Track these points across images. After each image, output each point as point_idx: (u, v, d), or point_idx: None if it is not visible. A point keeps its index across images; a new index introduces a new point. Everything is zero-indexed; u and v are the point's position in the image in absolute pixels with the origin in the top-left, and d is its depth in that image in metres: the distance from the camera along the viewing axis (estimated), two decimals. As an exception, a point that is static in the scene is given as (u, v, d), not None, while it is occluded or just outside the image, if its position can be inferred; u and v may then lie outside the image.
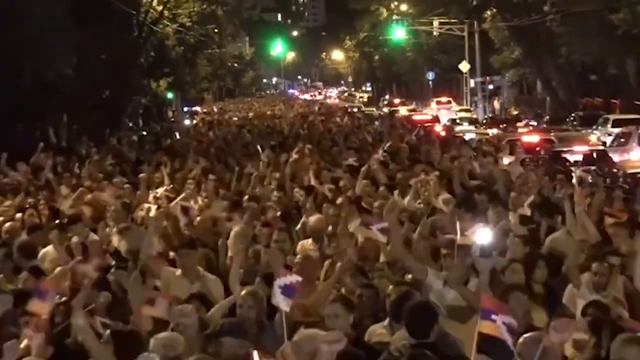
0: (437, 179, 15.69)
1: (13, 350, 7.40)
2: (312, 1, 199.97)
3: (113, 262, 11.09)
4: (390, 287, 9.30)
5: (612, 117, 44.49)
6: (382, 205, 14.11)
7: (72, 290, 9.85)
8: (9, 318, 8.86)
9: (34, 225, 13.75)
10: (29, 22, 30.10)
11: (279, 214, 13.92)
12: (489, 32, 66.68)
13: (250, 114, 73.74)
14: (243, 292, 8.63)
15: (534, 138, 38.05)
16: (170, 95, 71.65)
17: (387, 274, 10.18)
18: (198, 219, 13.39)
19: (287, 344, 6.33)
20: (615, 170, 25.53)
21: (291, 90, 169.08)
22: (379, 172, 18.08)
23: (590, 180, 16.63)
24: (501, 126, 52.59)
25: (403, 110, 71.88)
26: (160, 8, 55.63)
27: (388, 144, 20.09)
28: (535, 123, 52.88)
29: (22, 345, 7.52)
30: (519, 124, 52.99)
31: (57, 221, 13.53)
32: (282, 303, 6.65)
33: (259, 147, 24.87)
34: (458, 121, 56.35)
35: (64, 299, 9.33)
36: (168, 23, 57.64)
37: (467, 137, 39.85)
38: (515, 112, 65.72)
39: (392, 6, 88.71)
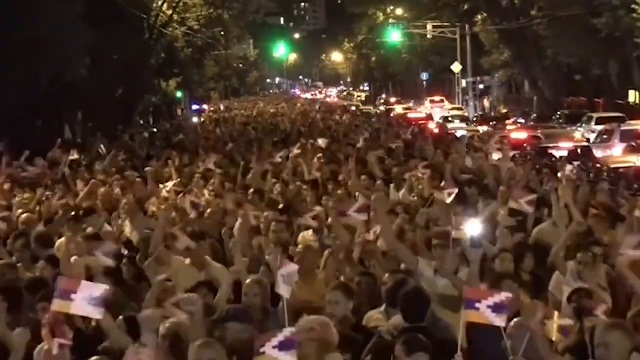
0: (429, 173, 15.72)
1: (23, 337, 7.37)
2: (313, 5, 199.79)
3: (125, 252, 11.08)
4: (386, 275, 9.30)
5: (595, 115, 44.50)
6: (380, 198, 14.14)
7: (86, 279, 9.85)
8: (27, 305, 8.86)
9: (51, 216, 13.76)
10: (46, 25, 30.06)
11: (281, 206, 13.92)
12: (479, 35, 66.71)
13: (255, 112, 73.74)
14: (248, 281, 8.62)
15: (522, 135, 38.12)
16: (179, 94, 71.63)
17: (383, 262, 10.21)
18: (208, 210, 13.37)
19: (288, 330, 6.31)
20: (598, 165, 25.53)
21: (293, 90, 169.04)
22: (375, 167, 18.07)
23: (575, 175, 16.61)
24: (491, 123, 52.65)
25: (398, 109, 71.88)
26: (169, 12, 55.61)
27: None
28: (523, 120, 52.88)
29: (43, 333, 7.48)
30: (507, 122, 53.01)
31: (73, 213, 13.54)
32: (283, 290, 6.65)
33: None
34: (450, 119, 56.38)
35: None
36: (177, 26, 57.60)
37: (458, 133, 39.88)
38: (504, 110, 65.75)
39: (388, 10, 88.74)
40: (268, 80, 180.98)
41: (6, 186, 17.06)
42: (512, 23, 57.26)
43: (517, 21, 56.82)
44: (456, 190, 12.85)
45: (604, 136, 35.77)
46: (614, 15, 44.68)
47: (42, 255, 10.92)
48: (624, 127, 35.86)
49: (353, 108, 78.20)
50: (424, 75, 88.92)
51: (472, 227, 9.12)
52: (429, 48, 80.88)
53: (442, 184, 13.65)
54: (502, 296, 6.38)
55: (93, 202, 14.59)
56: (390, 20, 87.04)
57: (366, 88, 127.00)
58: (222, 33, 70.49)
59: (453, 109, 67.53)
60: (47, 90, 35.34)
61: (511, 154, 21.30)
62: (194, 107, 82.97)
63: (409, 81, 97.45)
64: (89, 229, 12.17)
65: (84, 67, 37.98)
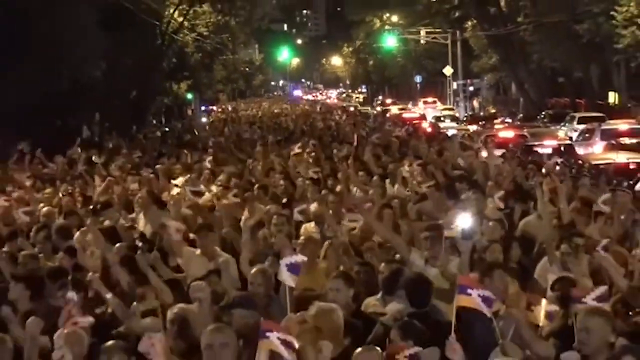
0: (421, 169, 15.74)
1: (36, 326, 7.37)
2: (314, 13, 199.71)
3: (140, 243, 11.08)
4: (383, 264, 9.31)
5: (577, 115, 44.50)
6: (376, 192, 14.16)
7: (103, 268, 9.87)
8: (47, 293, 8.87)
9: (70, 210, 13.77)
10: (64, 31, 30.08)
11: (284, 200, 13.93)
12: (469, 41, 66.74)
13: (260, 112, 73.72)
14: (253, 271, 8.62)
15: (509, 133, 38.09)
16: (189, 96, 71.61)
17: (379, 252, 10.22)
18: (223, 202, 13.35)
19: (291, 315, 6.33)
20: (580, 161, 25.53)
21: (295, 92, 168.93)
22: (372, 164, 18.08)
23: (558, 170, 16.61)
24: (480, 123, 52.64)
25: (394, 109, 71.83)
26: (180, 19, 55.60)
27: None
28: (510, 120, 52.93)
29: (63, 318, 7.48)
30: (495, 121, 53.01)
31: (91, 206, 13.56)
32: (288, 279, 6.64)
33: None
34: (442, 118, 56.37)
35: (97, 274, 9.34)
36: (187, 32, 57.59)
37: (450, 132, 39.90)
38: (493, 111, 65.76)
39: (385, 17, 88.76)
40: (272, 83, 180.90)
41: (29, 182, 17.10)
42: (500, 29, 57.29)
43: (504, 27, 56.85)
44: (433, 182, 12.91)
45: (586, 135, 35.77)
46: (595, 22, 44.70)
47: (62, 246, 10.95)
48: (604, 127, 35.86)
49: (352, 109, 78.20)
50: (418, 78, 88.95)
51: (463, 221, 9.12)
52: (422, 53, 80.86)
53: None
54: (490, 294, 6.41)
55: (110, 197, 14.60)
56: (387, 27, 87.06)
57: (364, 90, 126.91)
58: (229, 39, 70.38)
59: (445, 109, 67.51)
60: (66, 92, 35.37)
61: (498, 152, 21.28)
62: (203, 108, 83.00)
63: (403, 84, 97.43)
64: (106, 222, 12.19)
65: (100, 71, 37.99)
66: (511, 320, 7.07)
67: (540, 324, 7.43)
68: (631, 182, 21.50)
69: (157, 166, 18.44)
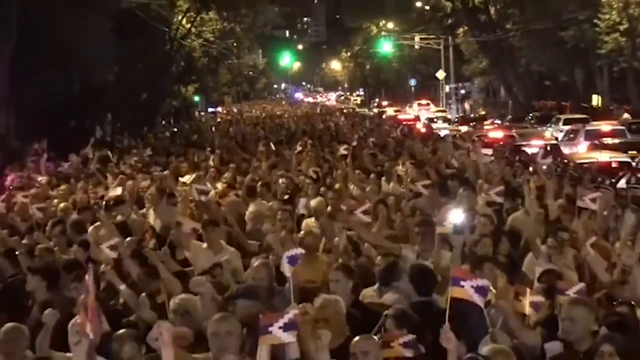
0: (415, 168, 15.73)
1: (52, 317, 7.37)
2: (315, 20, 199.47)
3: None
4: (379, 257, 9.31)
5: (563, 116, 44.50)
6: (373, 190, 14.16)
7: (115, 261, 9.86)
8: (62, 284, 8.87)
9: (84, 206, 13.78)
10: (79, 37, 30.08)
11: (286, 197, 13.94)
12: (461, 46, 66.73)
13: (263, 114, 73.72)
14: (256, 264, 8.61)
15: (499, 134, 38.15)
16: (196, 98, 71.60)
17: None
18: (228, 200, 13.33)
19: (294, 305, 6.32)
20: (565, 160, 25.54)
21: (297, 94, 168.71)
22: (369, 162, 18.07)
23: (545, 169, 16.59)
24: (471, 124, 52.65)
25: (390, 111, 71.80)
26: (188, 26, 55.63)
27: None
28: (499, 121, 52.90)
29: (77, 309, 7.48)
30: (485, 122, 53.02)
31: (104, 202, 13.56)
32: (287, 270, 6.66)
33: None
34: (434, 120, 56.34)
35: (109, 267, 9.35)
36: (195, 38, 57.59)
37: (442, 133, 39.90)
38: (483, 113, 65.75)
39: (381, 24, 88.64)
40: (275, 86, 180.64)
41: (44, 180, 17.12)
42: (490, 35, 57.32)
43: (494, 34, 56.89)
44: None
45: (571, 135, 35.78)
46: (580, 29, 44.73)
47: (76, 240, 10.95)
48: (588, 128, 35.88)
49: (351, 110, 78.20)
50: (412, 82, 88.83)
51: (455, 216, 9.13)
52: (416, 58, 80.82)
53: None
54: (485, 282, 6.39)
55: (122, 194, 14.60)
56: (383, 33, 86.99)
57: (361, 93, 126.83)
58: (234, 44, 70.39)
59: (437, 111, 67.58)
60: (80, 95, 35.37)
61: (487, 151, 21.28)
62: (210, 109, 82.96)
63: (399, 87, 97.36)
64: (119, 217, 12.20)
65: (112, 75, 37.98)
66: (501, 310, 7.08)
67: (527, 313, 7.43)
68: (613, 180, 21.53)
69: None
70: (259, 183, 14.90)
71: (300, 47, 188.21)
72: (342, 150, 19.31)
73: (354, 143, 22.23)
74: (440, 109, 71.10)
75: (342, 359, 6.41)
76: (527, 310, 7.44)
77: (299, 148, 20.32)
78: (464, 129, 46.22)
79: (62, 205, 13.86)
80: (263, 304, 7.61)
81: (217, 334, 6.43)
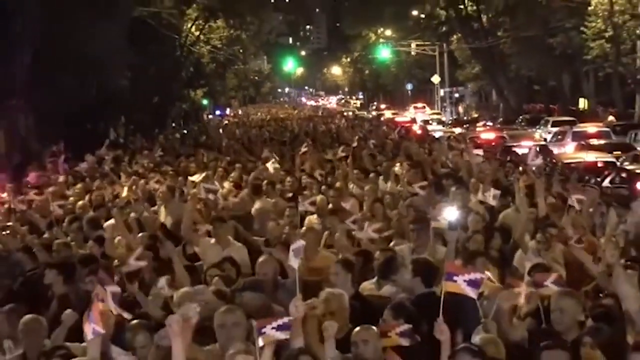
0: (411, 168, 15.71)
1: (70, 317, 7.37)
2: (316, 28, 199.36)
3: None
4: (377, 252, 9.31)
5: (551, 119, 44.54)
6: (371, 189, 14.14)
7: (127, 256, 9.86)
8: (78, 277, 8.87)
9: (99, 204, 13.77)
10: (94, 44, 30.12)
11: (290, 195, 13.93)
12: (454, 52, 66.72)
13: (268, 117, 73.71)
14: (261, 259, 8.59)
15: (490, 135, 38.14)
16: (205, 101, 71.58)
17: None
18: (235, 199, 13.31)
19: (299, 296, 6.31)
20: (554, 160, 25.53)
21: (300, 98, 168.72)
22: (368, 163, 18.06)
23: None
24: (464, 126, 52.62)
25: (388, 114, 71.78)
26: (197, 33, 55.67)
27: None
28: (491, 123, 52.90)
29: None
30: (478, 124, 53.00)
31: (118, 200, 13.56)
32: (294, 262, 6.65)
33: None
34: (430, 122, 56.32)
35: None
36: (203, 45, 57.62)
37: (437, 134, 39.90)
38: (476, 115, 65.73)
39: (379, 32, 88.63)
40: (279, 90, 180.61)
41: (62, 179, 17.12)
42: (482, 42, 57.34)
43: (486, 41, 56.91)
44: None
45: (559, 137, 35.81)
46: (567, 36, 44.77)
47: (92, 236, 10.95)
48: (575, 129, 35.91)
49: (350, 113, 78.17)
50: (409, 86, 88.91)
51: (449, 213, 9.12)
52: (413, 63, 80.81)
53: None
54: (477, 275, 6.39)
55: (127, 195, 14.59)
56: (381, 40, 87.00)
57: (361, 96, 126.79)
58: (240, 51, 70.41)
59: (433, 114, 67.51)
60: (96, 99, 35.41)
61: (478, 152, 21.26)
62: (218, 112, 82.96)
63: (396, 91, 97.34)
64: (132, 214, 12.19)
65: (126, 80, 38.04)
66: (493, 302, 7.06)
67: (518, 305, 7.42)
68: (599, 179, 21.54)
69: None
70: (265, 182, 14.90)
71: (303, 53, 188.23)
72: (340, 152, 19.29)
73: (354, 144, 22.22)
74: (435, 111, 71.07)
75: (344, 349, 6.41)
76: (519, 301, 7.42)
77: (303, 149, 20.26)
78: (457, 130, 46.20)
79: (80, 203, 13.87)
80: (268, 296, 7.61)
81: (224, 326, 6.46)
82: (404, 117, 63.09)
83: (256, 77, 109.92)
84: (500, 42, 54.95)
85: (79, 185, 15.89)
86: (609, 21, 40.42)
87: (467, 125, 53.23)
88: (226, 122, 67.27)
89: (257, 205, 13.09)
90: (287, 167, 18.38)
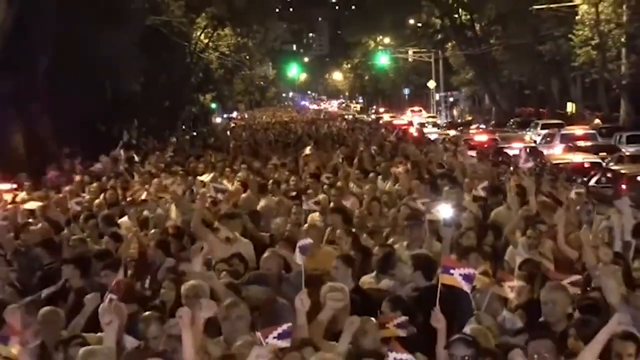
0: (409, 168, 15.71)
1: (94, 300, 7.38)
2: (319, 36, 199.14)
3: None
4: (376, 248, 9.31)
5: (541, 122, 44.48)
6: (370, 188, 14.15)
7: (140, 252, 9.88)
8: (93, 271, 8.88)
9: (113, 202, 13.78)
10: (109, 51, 30.16)
11: (294, 193, 13.93)
12: (449, 59, 66.66)
13: (273, 120, 73.72)
14: (266, 254, 8.58)
15: (483, 137, 38.19)
16: (213, 105, 71.62)
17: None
18: (243, 196, 13.30)
19: (304, 291, 6.31)
20: (543, 161, 25.53)
21: (302, 102, 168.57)
22: (367, 163, 18.06)
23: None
24: (458, 128, 52.59)
25: (386, 117, 71.80)
26: (206, 41, 55.70)
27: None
28: (484, 126, 52.88)
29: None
30: (471, 127, 52.98)
31: (131, 198, 13.57)
32: (299, 259, 6.64)
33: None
34: (425, 124, 56.34)
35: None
36: (212, 52, 57.66)
37: (432, 136, 39.92)
38: (469, 118, 65.72)
39: (378, 39, 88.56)
40: (283, 95, 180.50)
41: (78, 178, 17.14)
42: (475, 50, 57.35)
43: (479, 48, 56.92)
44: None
45: (548, 139, 35.80)
46: (555, 43, 44.74)
47: (107, 232, 10.96)
48: (563, 132, 35.90)
49: (351, 116, 78.19)
50: (406, 91, 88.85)
51: (445, 211, 9.13)
52: (410, 69, 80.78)
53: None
54: (470, 270, 6.40)
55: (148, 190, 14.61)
56: (380, 47, 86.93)
57: (361, 101, 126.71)
58: (247, 57, 70.47)
59: (429, 117, 67.58)
60: (110, 103, 35.43)
61: (472, 153, 21.27)
62: (225, 115, 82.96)
63: (394, 95, 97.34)
64: (145, 212, 12.20)
65: (138, 85, 38.03)
66: (485, 295, 7.07)
67: (509, 298, 7.43)
68: (585, 179, 21.55)
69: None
70: (270, 181, 14.92)
71: (306, 59, 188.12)
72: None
73: (361, 148, 22.16)
74: (431, 115, 71.08)
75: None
76: (510, 294, 7.42)
77: (307, 151, 20.28)
78: (452, 133, 46.22)
79: (96, 201, 13.89)
80: (273, 290, 7.61)
81: (228, 318, 6.47)
82: (401, 120, 63.13)
83: (262, 82, 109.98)
84: (492, 49, 54.93)
85: (94, 185, 15.90)
86: (596, 30, 40.40)
87: (461, 127, 53.20)
88: (233, 124, 67.33)
89: (262, 203, 13.10)
90: (291, 167, 18.37)
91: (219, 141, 35.41)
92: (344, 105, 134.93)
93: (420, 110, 75.42)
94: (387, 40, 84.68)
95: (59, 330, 7.10)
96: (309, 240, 6.72)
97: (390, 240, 10.17)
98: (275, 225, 11.25)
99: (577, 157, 26.80)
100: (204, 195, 11.57)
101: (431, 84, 72.07)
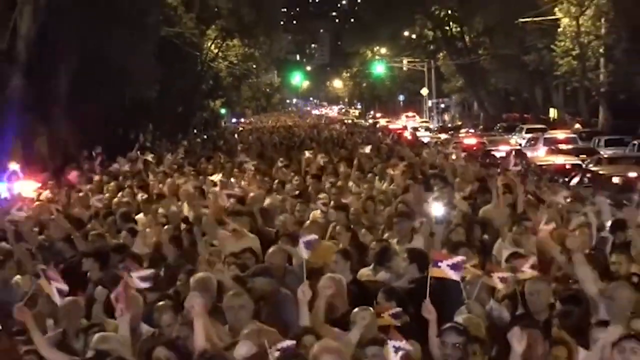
0: (405, 169, 15.67)
1: (102, 293, 7.38)
2: (320, 46, 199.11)
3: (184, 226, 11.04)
4: (374, 242, 9.29)
5: (525, 126, 44.53)
6: (368, 187, 14.12)
7: (156, 245, 9.86)
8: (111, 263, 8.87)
9: (130, 200, 13.76)
10: (127, 61, 30.19)
11: (297, 192, 13.91)
12: (441, 68, 66.66)
13: (278, 124, 73.69)
14: (270, 250, 8.57)
15: (472, 141, 38.20)
16: (223, 110, 71.61)
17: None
18: (251, 195, 13.28)
19: (306, 283, 6.30)
20: (528, 163, 25.53)
21: (305, 108, 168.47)
22: (366, 164, 18.03)
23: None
24: (449, 132, 52.58)
25: (382, 122, 71.77)
26: (216, 51, 55.70)
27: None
28: (472, 130, 52.86)
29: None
30: (461, 131, 52.97)
31: (147, 197, 13.55)
32: (304, 253, 6.63)
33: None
34: (419, 129, 56.34)
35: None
36: (221, 61, 57.65)
37: (425, 140, 39.91)
38: (459, 123, 65.69)
39: (375, 50, 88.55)
40: (287, 101, 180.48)
41: (97, 177, 17.13)
42: (465, 59, 57.36)
43: (469, 58, 56.93)
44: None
45: (532, 142, 35.80)
46: (539, 54, 44.73)
47: (124, 227, 10.95)
48: (546, 136, 35.92)
49: (350, 121, 78.19)
50: (401, 97, 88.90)
51: (436, 209, 9.11)
52: (404, 77, 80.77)
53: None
54: (458, 259, 6.38)
55: (162, 190, 14.59)
56: (377, 57, 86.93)
57: (359, 106, 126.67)
58: (254, 66, 70.37)
59: (422, 122, 67.65)
60: (128, 109, 35.44)
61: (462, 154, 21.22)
62: (233, 120, 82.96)
63: (390, 101, 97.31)
64: (160, 209, 12.19)
65: (154, 91, 38.02)
66: (475, 285, 7.05)
67: (497, 288, 7.40)
68: (567, 179, 21.55)
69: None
70: (276, 181, 14.91)
71: (308, 68, 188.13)
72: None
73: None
74: (424, 120, 71.12)
75: (344, 326, 6.39)
76: (498, 285, 7.40)
77: (307, 154, 20.22)
78: (443, 136, 46.21)
79: (116, 199, 13.89)
80: (277, 281, 7.60)
81: (232, 308, 6.50)
82: (396, 125, 63.14)
83: (267, 89, 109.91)
84: (480, 59, 54.93)
85: (112, 184, 15.89)
86: (576, 41, 40.41)
87: (452, 132, 53.19)
88: (241, 128, 67.32)
89: (267, 201, 13.08)
90: (295, 168, 18.34)
91: (228, 144, 35.37)
92: (343, 110, 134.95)
93: (414, 116, 75.44)
94: (383, 50, 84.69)
95: (79, 319, 7.11)
96: (313, 236, 6.71)
97: (385, 236, 10.15)
98: (280, 222, 11.23)
99: (559, 159, 26.80)
100: (216, 201, 11.40)
101: (424, 91, 72.07)
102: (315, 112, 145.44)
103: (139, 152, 23.35)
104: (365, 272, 8.54)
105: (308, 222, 10.74)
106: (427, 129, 58.67)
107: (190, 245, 9.78)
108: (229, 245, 9.62)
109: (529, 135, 38.60)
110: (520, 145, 36.10)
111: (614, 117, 41.27)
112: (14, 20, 25.62)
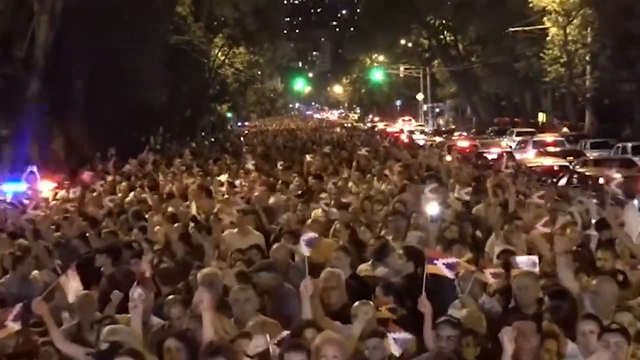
0: (401, 170, 15.65)
1: (117, 297, 7.36)
2: (322, 54, 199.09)
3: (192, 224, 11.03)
4: (372, 240, 9.28)
5: (515, 130, 44.51)
6: (367, 187, 14.10)
7: (166, 241, 9.85)
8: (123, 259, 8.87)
9: (142, 199, 13.74)
10: (139, 67, 30.24)
11: (299, 192, 13.89)
12: (436, 74, 66.71)
13: (281, 127, 73.68)
14: (274, 247, 8.54)
15: (465, 143, 38.17)
16: (229, 114, 71.64)
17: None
18: (255, 194, 13.27)
19: (308, 278, 6.29)
20: (518, 164, 25.49)
21: (307, 112, 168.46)
22: (364, 165, 18.01)
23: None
24: (443, 135, 52.58)
25: (380, 125, 71.75)
26: (222, 58, 55.79)
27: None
28: (465, 134, 52.86)
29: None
30: (455, 134, 52.96)
31: (157, 196, 13.53)
32: (305, 251, 6.62)
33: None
34: (415, 132, 56.33)
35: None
36: (228, 68, 57.72)
37: (420, 142, 39.87)
38: (453, 127, 65.70)
39: (373, 57, 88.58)
40: (290, 105, 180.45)
41: (110, 178, 17.12)
42: (459, 66, 57.44)
43: (462, 65, 56.96)
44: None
45: (522, 145, 35.81)
46: (529, 61, 44.78)
47: (135, 225, 10.94)
48: (535, 139, 35.92)
49: (349, 125, 78.18)
50: (398, 102, 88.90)
51: (431, 208, 9.10)
52: (401, 83, 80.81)
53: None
54: (453, 259, 6.37)
55: (172, 189, 14.57)
56: (375, 64, 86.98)
57: (358, 111, 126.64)
58: (259, 73, 70.59)
59: (417, 125, 67.67)
60: (139, 113, 35.45)
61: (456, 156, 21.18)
62: (239, 124, 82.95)
63: (387, 106, 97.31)
64: (170, 208, 12.17)
65: (164, 96, 38.05)
66: (468, 280, 7.04)
67: (489, 282, 7.39)
68: (554, 180, 21.53)
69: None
70: (279, 181, 14.90)
71: (310, 74, 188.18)
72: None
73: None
74: (420, 123, 71.12)
75: (342, 318, 6.39)
76: (489, 279, 7.39)
77: (308, 158, 20.18)
78: (437, 139, 46.21)
79: (129, 198, 13.88)
80: (280, 276, 7.59)
81: (238, 301, 6.51)
82: (393, 128, 63.14)
83: (271, 95, 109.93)
84: (473, 66, 54.98)
85: (124, 184, 15.88)
86: (564, 49, 40.44)
87: (446, 135, 53.20)
88: (246, 131, 67.32)
89: (271, 200, 13.07)
90: (297, 169, 18.32)
91: (234, 146, 35.37)
92: (343, 114, 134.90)
93: (410, 120, 75.47)
94: (381, 58, 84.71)
95: (93, 312, 7.11)
96: (314, 235, 6.70)
97: (382, 233, 10.13)
98: (283, 220, 11.22)
99: (548, 161, 26.79)
100: (225, 203, 11.31)
101: (420, 96, 72.10)
102: (317, 116, 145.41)
103: (149, 154, 23.33)
104: (364, 268, 8.52)
105: (309, 220, 10.72)
106: (423, 132, 58.75)
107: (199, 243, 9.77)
108: (235, 242, 9.61)
109: (519, 138, 38.59)
110: (510, 147, 36.07)
111: (599, 121, 41.29)
112: (31, 30, 25.67)
